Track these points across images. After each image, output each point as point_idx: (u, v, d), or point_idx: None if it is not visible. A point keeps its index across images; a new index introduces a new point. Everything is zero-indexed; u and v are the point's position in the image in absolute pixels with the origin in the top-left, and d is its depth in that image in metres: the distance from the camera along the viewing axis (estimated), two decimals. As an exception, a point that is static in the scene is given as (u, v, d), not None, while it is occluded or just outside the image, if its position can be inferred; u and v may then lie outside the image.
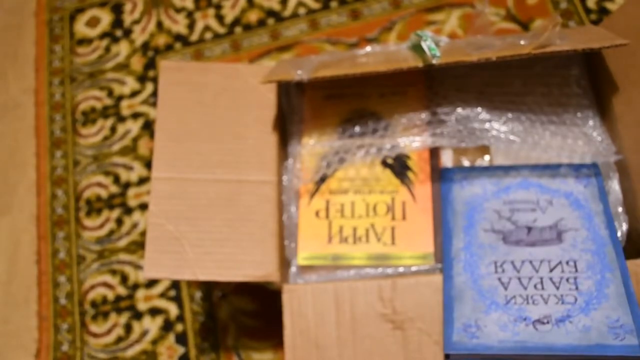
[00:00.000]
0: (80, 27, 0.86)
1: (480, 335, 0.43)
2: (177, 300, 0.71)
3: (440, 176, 0.55)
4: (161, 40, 0.83)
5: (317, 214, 0.56)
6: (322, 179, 0.57)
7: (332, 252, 0.54)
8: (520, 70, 0.57)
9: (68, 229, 0.76)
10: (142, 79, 0.82)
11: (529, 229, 0.49)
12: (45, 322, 0.72)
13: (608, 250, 0.46)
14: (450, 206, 0.53)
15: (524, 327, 0.43)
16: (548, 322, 0.43)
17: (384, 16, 0.80)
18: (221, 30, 0.83)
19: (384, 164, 0.56)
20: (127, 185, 0.77)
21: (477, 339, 0.43)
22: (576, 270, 0.46)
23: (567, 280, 0.45)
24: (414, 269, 0.52)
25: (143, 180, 0.77)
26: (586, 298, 0.44)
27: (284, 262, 0.54)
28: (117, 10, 0.86)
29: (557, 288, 0.45)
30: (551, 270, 0.46)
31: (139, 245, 0.74)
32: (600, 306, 0.43)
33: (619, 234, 0.50)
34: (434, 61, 0.49)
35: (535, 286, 0.45)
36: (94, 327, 0.71)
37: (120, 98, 0.81)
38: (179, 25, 0.84)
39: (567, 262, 0.46)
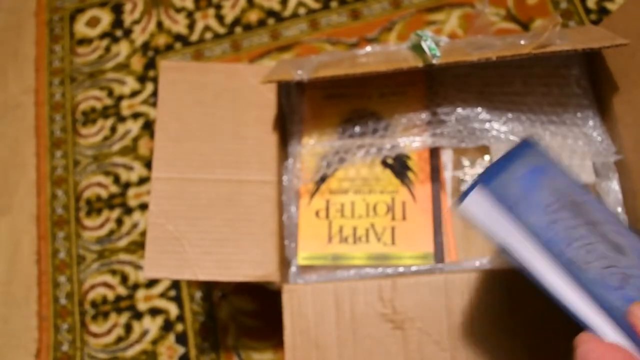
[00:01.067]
0: (81, 27, 0.86)
1: None
2: (177, 300, 0.71)
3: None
4: (161, 40, 0.83)
5: (317, 213, 0.56)
6: (322, 179, 0.57)
7: (332, 252, 0.54)
8: (520, 70, 0.57)
9: (68, 229, 0.76)
10: (142, 79, 0.82)
11: None
12: (45, 322, 0.72)
13: None
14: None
15: None
16: None
17: (384, 16, 0.80)
18: (221, 30, 0.83)
19: (384, 164, 0.56)
20: (127, 185, 0.77)
21: None
22: None
23: None
24: (414, 268, 0.52)
25: (143, 180, 0.77)
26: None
27: (284, 262, 0.54)
28: (117, 10, 0.86)
29: None
30: None
31: (139, 245, 0.74)
32: None
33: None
34: (434, 61, 0.49)
35: None
36: (94, 327, 0.71)
37: (120, 98, 0.81)
38: (179, 25, 0.84)
39: None
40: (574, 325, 0.41)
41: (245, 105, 0.56)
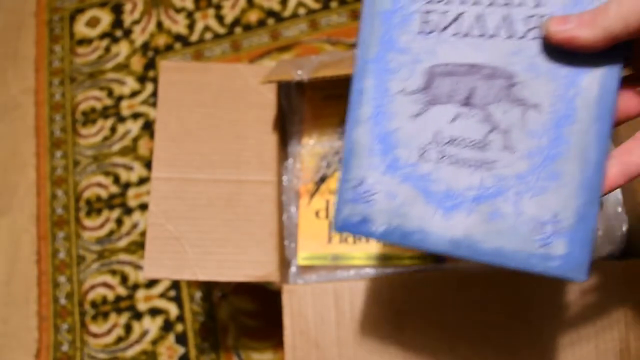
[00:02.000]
0: (80, 28, 0.86)
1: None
2: (177, 300, 0.71)
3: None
4: (161, 40, 0.83)
5: (317, 214, 0.56)
6: (322, 179, 0.57)
7: (332, 252, 0.54)
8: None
9: (68, 229, 0.76)
10: (142, 79, 0.82)
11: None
12: (45, 322, 0.72)
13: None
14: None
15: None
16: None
17: (384, 16, 0.80)
18: (221, 30, 0.83)
19: (384, 164, 0.56)
20: (127, 185, 0.77)
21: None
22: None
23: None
24: (413, 269, 0.52)
25: (143, 181, 0.77)
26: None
27: (284, 262, 0.54)
28: (117, 10, 0.86)
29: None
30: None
31: (139, 246, 0.74)
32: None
33: (618, 234, 0.50)
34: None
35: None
36: (94, 328, 0.71)
37: (120, 98, 0.81)
38: (179, 25, 0.84)
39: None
40: (575, 322, 0.39)
41: (245, 105, 0.56)
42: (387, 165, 0.31)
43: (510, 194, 0.28)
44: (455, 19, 0.30)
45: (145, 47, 0.83)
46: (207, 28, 0.83)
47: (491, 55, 0.29)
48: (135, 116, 0.80)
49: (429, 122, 0.30)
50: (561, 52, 0.27)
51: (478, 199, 0.29)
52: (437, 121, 0.30)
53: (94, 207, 0.76)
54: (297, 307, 0.48)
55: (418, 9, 0.30)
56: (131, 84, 0.82)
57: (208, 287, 0.71)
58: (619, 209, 0.52)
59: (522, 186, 0.28)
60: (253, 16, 0.83)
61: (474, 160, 0.29)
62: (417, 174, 0.30)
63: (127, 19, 0.85)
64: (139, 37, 0.84)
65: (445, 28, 0.30)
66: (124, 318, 0.71)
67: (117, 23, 0.86)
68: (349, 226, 0.31)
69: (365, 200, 0.31)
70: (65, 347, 0.71)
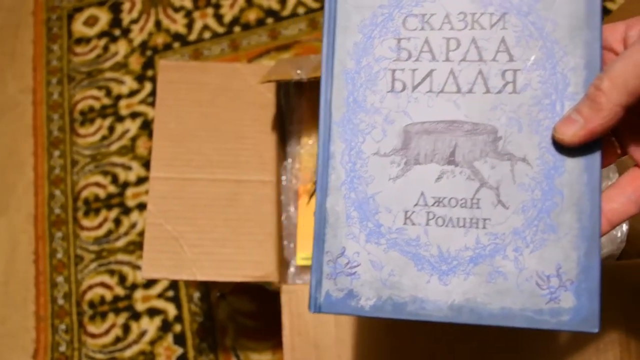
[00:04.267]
0: (78, 27, 0.86)
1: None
2: (176, 300, 0.71)
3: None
4: (160, 39, 0.83)
5: (316, 214, 0.56)
6: (321, 179, 0.56)
7: (331, 253, 0.54)
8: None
9: (66, 229, 0.76)
10: (140, 78, 0.82)
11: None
12: (43, 323, 0.72)
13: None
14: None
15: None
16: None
17: (383, 16, 0.80)
18: (220, 29, 0.82)
19: (383, 164, 0.56)
20: (125, 185, 0.77)
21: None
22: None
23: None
24: (413, 269, 0.52)
25: (141, 180, 0.76)
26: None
27: (283, 263, 0.54)
28: (116, 9, 0.86)
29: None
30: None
31: (137, 246, 0.73)
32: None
33: (618, 234, 0.50)
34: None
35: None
36: (91, 328, 0.71)
37: (118, 97, 0.81)
38: (178, 24, 0.83)
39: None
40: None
41: (244, 104, 0.56)
42: (369, 232, 0.29)
43: (509, 251, 0.27)
44: (427, 76, 0.29)
45: (143, 46, 0.83)
46: (205, 27, 0.83)
47: (470, 110, 0.28)
48: (134, 116, 0.80)
49: (411, 183, 0.28)
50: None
51: (475, 259, 0.28)
52: (421, 182, 0.28)
53: (92, 206, 0.76)
54: (296, 307, 0.48)
55: (385, 67, 0.29)
56: (129, 83, 0.81)
57: (206, 288, 0.71)
58: (619, 209, 0.51)
59: (520, 241, 0.27)
60: (252, 15, 0.83)
61: (465, 219, 0.28)
62: (405, 239, 0.28)
63: (126, 18, 0.85)
64: (137, 36, 0.84)
65: (417, 85, 0.29)
66: (122, 318, 0.71)
67: (116, 22, 0.85)
68: (332, 304, 0.28)
69: (347, 273, 0.29)
70: (63, 348, 0.71)
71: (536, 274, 0.27)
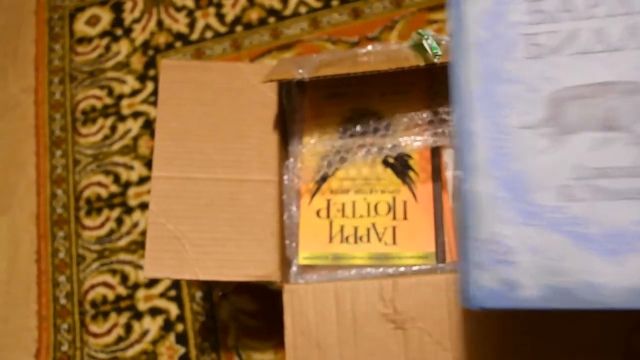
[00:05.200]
0: (80, 26, 0.86)
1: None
2: (178, 300, 0.71)
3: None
4: (161, 39, 0.83)
5: (318, 213, 0.56)
6: (323, 179, 0.56)
7: (333, 252, 0.54)
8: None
9: (68, 229, 0.76)
10: (142, 78, 0.82)
11: None
12: (45, 322, 0.72)
13: None
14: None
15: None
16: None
17: (385, 15, 0.80)
18: (222, 29, 0.82)
19: (385, 163, 0.56)
20: (127, 184, 0.77)
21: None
22: None
23: None
24: (415, 268, 0.52)
25: (143, 180, 0.76)
26: None
27: (285, 262, 0.54)
28: (117, 8, 0.86)
29: None
30: None
31: (139, 245, 0.73)
32: None
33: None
34: (436, 60, 0.48)
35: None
36: (93, 327, 0.71)
37: (120, 97, 0.81)
38: (180, 24, 0.84)
39: None
40: (588, 325, 0.35)
41: (246, 104, 0.56)
42: (522, 213, 0.26)
43: None
44: (569, 37, 0.26)
45: (145, 45, 0.83)
46: (207, 27, 0.83)
47: (622, 69, 0.25)
48: (136, 115, 0.80)
49: (564, 156, 0.26)
50: None
51: None
52: (575, 153, 0.26)
53: (94, 206, 0.76)
54: (298, 306, 0.48)
55: (519, 32, 0.27)
56: (131, 82, 0.82)
57: (208, 287, 0.71)
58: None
59: None
60: (254, 15, 0.83)
61: (631, 190, 0.25)
62: (564, 218, 0.26)
63: (128, 18, 0.85)
64: (139, 36, 0.84)
65: (558, 48, 0.26)
66: (124, 318, 0.71)
67: (118, 21, 0.85)
68: (488, 297, 0.26)
69: (505, 262, 0.26)
70: (65, 347, 0.71)
71: None
